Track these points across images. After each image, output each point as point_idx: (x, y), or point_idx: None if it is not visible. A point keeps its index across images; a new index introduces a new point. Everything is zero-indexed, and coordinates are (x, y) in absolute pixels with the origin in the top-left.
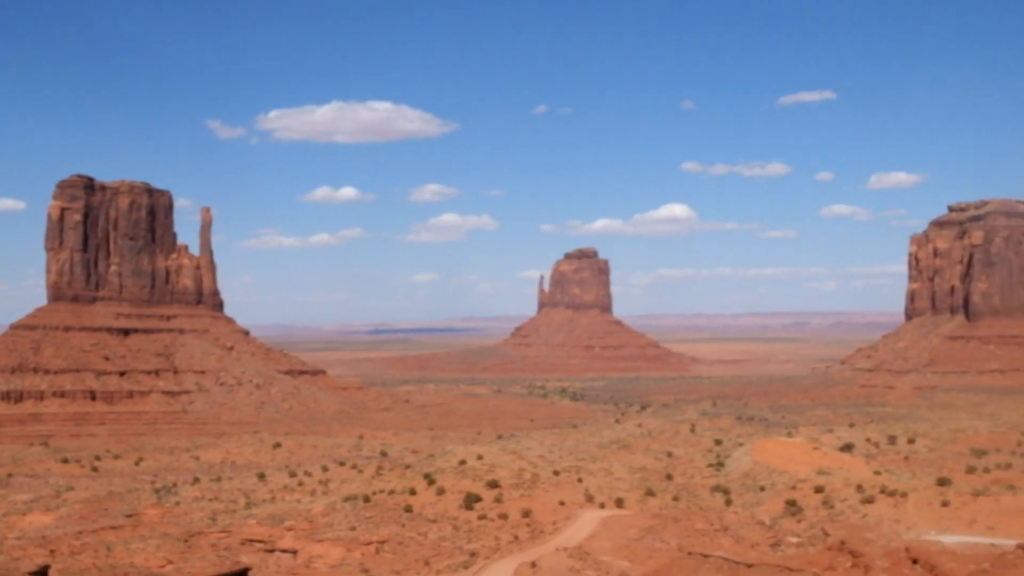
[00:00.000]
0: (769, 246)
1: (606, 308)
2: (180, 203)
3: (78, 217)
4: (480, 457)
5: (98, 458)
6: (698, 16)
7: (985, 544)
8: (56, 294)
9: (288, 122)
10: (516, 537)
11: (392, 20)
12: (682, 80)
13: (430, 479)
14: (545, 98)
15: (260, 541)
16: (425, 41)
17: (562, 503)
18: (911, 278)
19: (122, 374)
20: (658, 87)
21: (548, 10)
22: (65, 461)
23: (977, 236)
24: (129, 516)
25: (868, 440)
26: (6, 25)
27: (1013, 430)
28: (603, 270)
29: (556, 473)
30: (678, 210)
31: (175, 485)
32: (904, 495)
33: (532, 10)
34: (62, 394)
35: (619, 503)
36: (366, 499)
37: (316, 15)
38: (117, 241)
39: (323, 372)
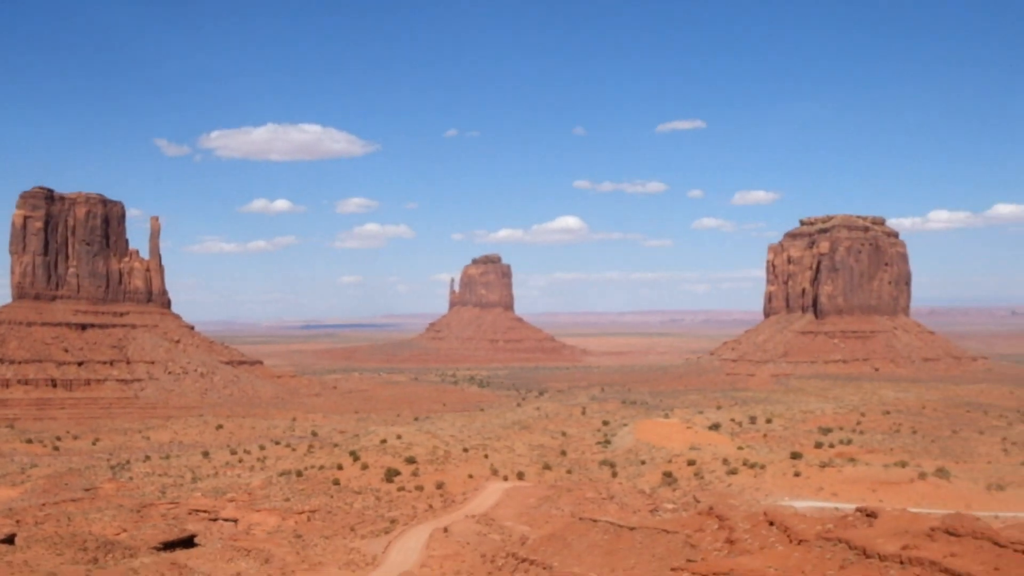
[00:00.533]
0: (649, 253)
1: (508, 307)
2: (131, 212)
3: (39, 224)
4: (399, 437)
5: (59, 439)
6: (587, 53)
7: (830, 508)
8: (20, 293)
9: (228, 141)
10: (431, 506)
11: (321, 51)
12: (574, 109)
13: (355, 456)
14: (456, 123)
15: (205, 511)
16: (350, 70)
17: (471, 476)
18: (769, 281)
19: (80, 364)
20: (553, 114)
21: (459, 45)
22: (29, 441)
23: (824, 246)
24: (87, 490)
25: (732, 420)
26: None
27: (853, 411)
28: (506, 273)
29: (465, 450)
30: (571, 221)
31: (128, 462)
32: (763, 467)
33: (445, 44)
34: (26, 382)
35: (520, 476)
36: (299, 474)
37: (253, 44)
38: (75, 246)
39: (260, 363)
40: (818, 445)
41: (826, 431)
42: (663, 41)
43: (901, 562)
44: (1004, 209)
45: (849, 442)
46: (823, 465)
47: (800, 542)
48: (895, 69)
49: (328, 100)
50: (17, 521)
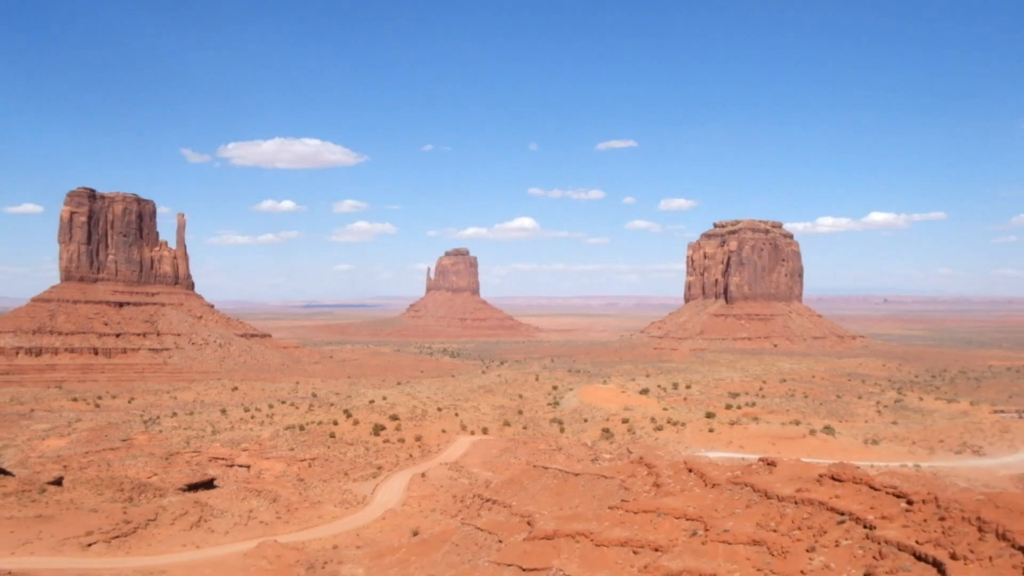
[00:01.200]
0: (590, 249)
1: (475, 291)
2: (161, 209)
3: (83, 218)
4: (384, 398)
5: (99, 398)
6: (539, 81)
7: (738, 458)
8: (67, 276)
9: (242, 151)
10: (411, 455)
11: (320, 77)
12: (528, 128)
13: (348, 414)
14: (432, 139)
15: (223, 459)
16: (345, 94)
17: (444, 431)
18: (688, 273)
19: (118, 336)
20: (511, 132)
21: (434, 75)
22: (74, 400)
23: (733, 244)
24: (123, 441)
25: (659, 386)
26: (30, 57)
27: (756, 379)
28: (473, 264)
29: (439, 409)
30: (526, 222)
31: (158, 418)
32: (683, 425)
33: (422, 74)
34: (72, 350)
35: (485, 431)
36: (301, 428)
37: (264, 70)
38: (113, 237)
39: (269, 335)
40: (728, 407)
41: (735, 395)
42: (602, 72)
43: (796, 502)
44: (878, 216)
45: (753, 404)
46: (732, 423)
47: (714, 486)
48: (792, 100)
49: (326, 118)
50: (65, 466)
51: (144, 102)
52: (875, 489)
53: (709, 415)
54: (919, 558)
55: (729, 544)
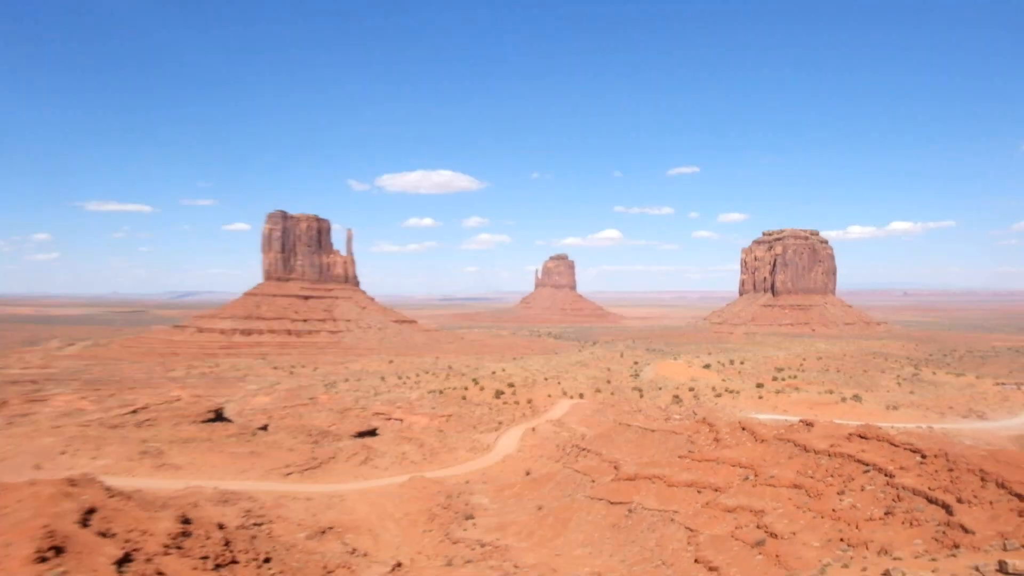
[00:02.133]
0: (663, 254)
1: (573, 287)
2: (335, 226)
3: (279, 233)
4: (503, 369)
5: (292, 367)
6: (622, 121)
7: (782, 420)
8: (267, 276)
9: (393, 181)
10: (524, 414)
11: (452, 121)
12: (613, 159)
13: (476, 381)
14: (538, 168)
15: (382, 414)
16: (471, 136)
17: (549, 395)
18: (742, 272)
19: (304, 321)
20: (600, 162)
21: (540, 117)
22: (275, 368)
23: (778, 249)
24: (310, 399)
25: (718, 362)
26: (219, 104)
27: (797, 358)
28: (571, 266)
29: (546, 379)
30: (612, 233)
31: (335, 382)
32: (738, 392)
33: (531, 117)
34: (272, 331)
35: (581, 396)
36: (440, 392)
37: (411, 117)
38: (300, 247)
39: (415, 321)
40: (774, 379)
41: (780, 370)
42: (670, 112)
43: (829, 455)
44: (898, 225)
45: (795, 377)
46: (777, 392)
47: (762, 441)
48: (826, 130)
49: (456, 154)
50: (269, 416)
51: (322, 146)
52: (895, 445)
53: (759, 385)
54: (931, 501)
55: (774, 487)
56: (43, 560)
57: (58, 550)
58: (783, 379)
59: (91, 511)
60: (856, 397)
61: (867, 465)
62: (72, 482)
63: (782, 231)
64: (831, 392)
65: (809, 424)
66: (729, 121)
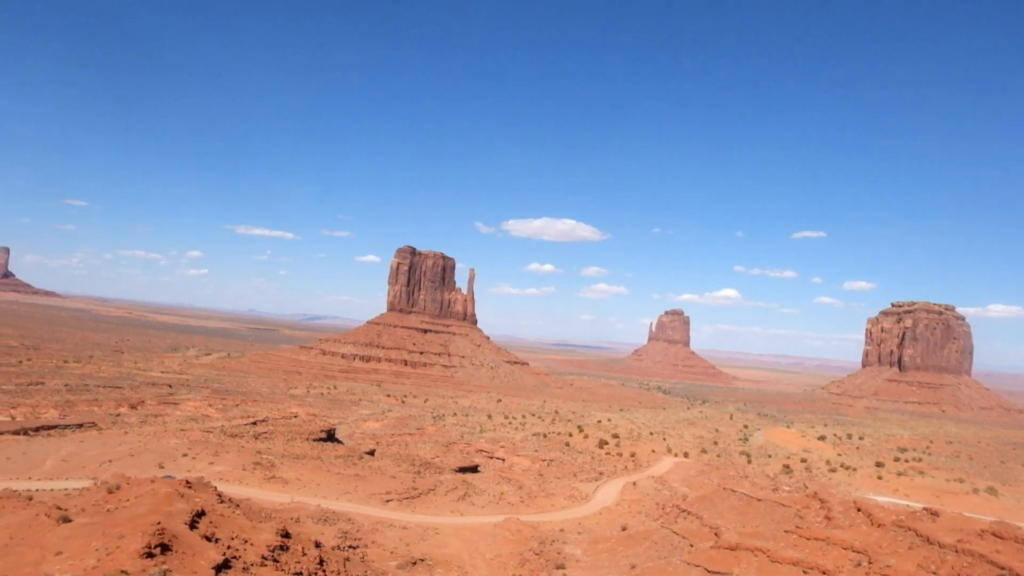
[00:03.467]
0: (782, 317)
1: (686, 344)
2: (459, 265)
3: (406, 267)
4: (609, 419)
5: (405, 396)
6: (744, 184)
7: (903, 505)
8: (391, 307)
9: (518, 226)
10: (626, 467)
11: (576, 174)
12: (736, 219)
13: (580, 428)
14: (660, 223)
15: (485, 451)
16: (594, 187)
17: (653, 451)
18: (866, 343)
19: (421, 353)
20: (722, 222)
21: (662, 174)
22: (388, 395)
23: (908, 322)
24: (418, 429)
25: (834, 435)
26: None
27: (923, 439)
28: (686, 322)
29: (651, 433)
30: (731, 292)
31: (443, 415)
32: (854, 469)
33: (655, 174)
34: (390, 360)
35: (686, 454)
36: (544, 435)
37: (538, 167)
38: (424, 282)
39: (527, 363)
40: (896, 459)
41: (903, 450)
42: (797, 173)
43: (956, 551)
44: None
45: (920, 460)
46: (899, 474)
47: (879, 525)
48: (963, 201)
49: (581, 204)
50: (377, 442)
51: (454, 188)
52: None
53: (879, 464)
54: None
55: None
56: (150, 556)
57: (164, 548)
58: (906, 460)
59: (200, 514)
60: (991, 490)
61: (1002, 568)
62: (188, 484)
63: (913, 303)
64: (961, 481)
65: (934, 513)
66: (860, 186)
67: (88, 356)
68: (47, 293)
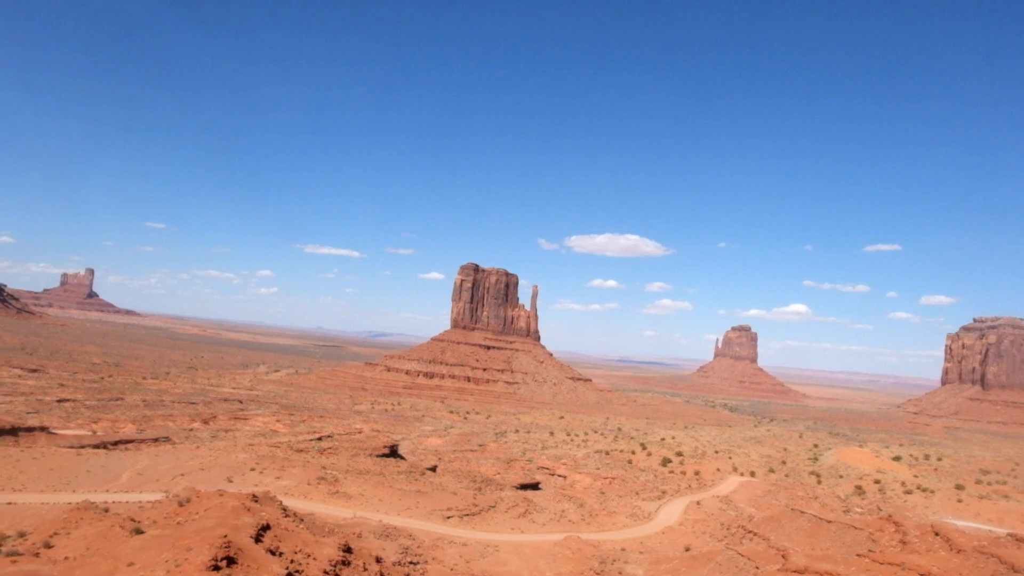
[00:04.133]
0: (854, 333)
1: (753, 360)
2: (522, 282)
3: (469, 284)
4: (673, 437)
5: (467, 413)
6: (814, 196)
7: (985, 530)
8: (454, 324)
9: (581, 242)
10: (690, 486)
11: (641, 189)
12: (806, 232)
13: (643, 446)
14: (725, 238)
15: (547, 468)
16: (658, 202)
17: (718, 469)
18: (946, 360)
19: (484, 369)
20: (791, 236)
21: (728, 187)
22: (451, 412)
23: (992, 338)
24: (480, 445)
25: (911, 455)
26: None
27: (1009, 461)
28: (753, 338)
29: (716, 452)
30: (800, 308)
31: (505, 432)
32: (932, 492)
33: (720, 187)
34: (453, 376)
35: (752, 474)
36: (607, 453)
37: (602, 183)
38: (487, 299)
39: (590, 380)
40: (978, 482)
41: (985, 472)
42: (870, 183)
43: None
44: None
45: (1004, 483)
46: (982, 497)
47: (959, 551)
48: None
49: (644, 219)
50: (439, 458)
51: (516, 205)
52: None
53: (959, 487)
54: None
55: None
56: (216, 568)
57: (230, 561)
58: (989, 483)
59: (266, 528)
60: None
61: None
62: (254, 498)
63: (997, 319)
64: None
65: (1021, 540)
66: (938, 198)
67: (165, 373)
68: (128, 312)
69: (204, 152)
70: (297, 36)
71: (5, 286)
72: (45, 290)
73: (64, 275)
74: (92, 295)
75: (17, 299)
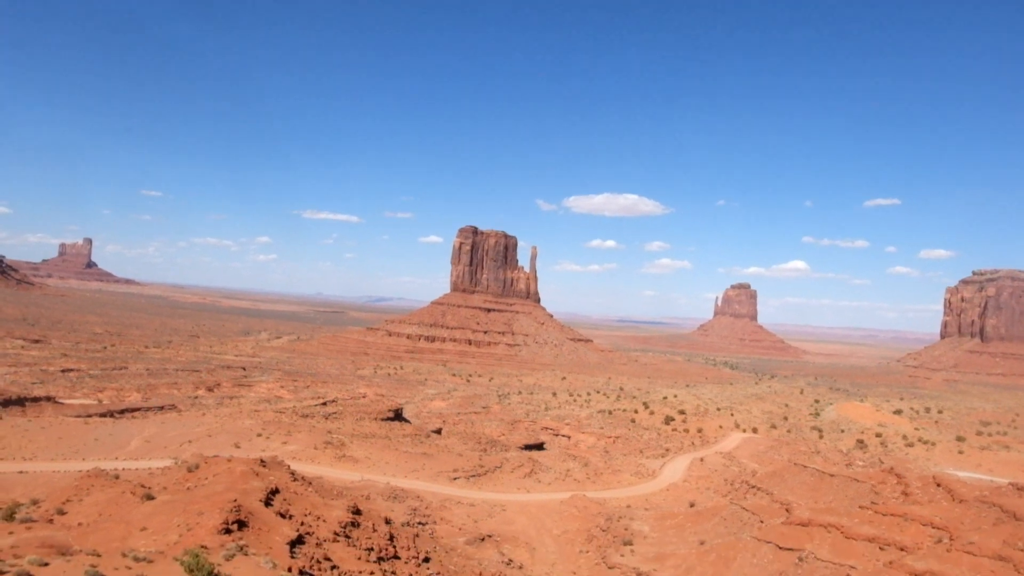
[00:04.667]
0: (854, 289)
1: (753, 318)
2: (521, 243)
3: (468, 247)
4: (675, 395)
5: (470, 376)
6: (813, 151)
7: (986, 480)
8: (454, 288)
9: (579, 203)
10: (692, 443)
11: (639, 147)
12: (805, 188)
13: (646, 405)
14: (724, 195)
15: (551, 429)
16: (657, 161)
17: (720, 427)
18: (945, 313)
19: (485, 332)
20: (790, 192)
21: (726, 144)
22: (453, 375)
23: (991, 290)
24: (484, 407)
25: (911, 408)
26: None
27: (1009, 412)
28: (752, 296)
29: (718, 409)
30: (799, 264)
31: (508, 394)
32: (933, 444)
33: (719, 144)
34: (454, 340)
35: (754, 430)
36: (609, 412)
37: (599, 144)
38: (487, 262)
39: (591, 340)
40: (979, 433)
41: (986, 424)
42: (869, 137)
43: None
44: None
45: (1005, 434)
46: (982, 448)
47: (961, 501)
48: None
49: (642, 178)
50: (443, 421)
51: (514, 167)
52: None
53: (959, 438)
54: None
55: (973, 555)
56: (227, 532)
57: (241, 524)
58: (990, 435)
59: (275, 492)
60: None
61: None
62: (263, 463)
63: (996, 271)
64: None
65: (1021, 489)
66: (938, 151)
67: (167, 341)
68: (127, 281)
69: (199, 119)
70: None
71: (4, 257)
72: (44, 260)
73: (62, 245)
74: (91, 265)
75: (16, 270)
